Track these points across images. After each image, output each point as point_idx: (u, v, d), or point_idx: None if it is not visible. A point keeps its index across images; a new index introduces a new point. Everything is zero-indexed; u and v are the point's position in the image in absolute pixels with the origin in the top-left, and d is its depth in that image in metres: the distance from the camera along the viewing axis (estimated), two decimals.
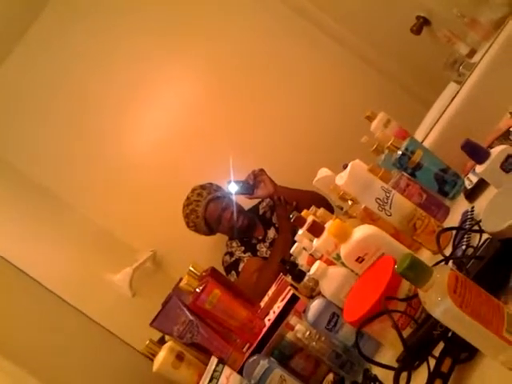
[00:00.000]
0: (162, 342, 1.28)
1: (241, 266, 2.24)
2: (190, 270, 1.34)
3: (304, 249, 1.46)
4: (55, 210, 2.50)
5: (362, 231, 0.99)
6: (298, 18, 2.65)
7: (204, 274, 1.36)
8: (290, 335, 1.23)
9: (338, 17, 2.58)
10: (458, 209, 1.14)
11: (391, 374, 0.77)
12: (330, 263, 1.11)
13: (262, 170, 2.28)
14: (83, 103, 2.65)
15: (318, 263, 1.09)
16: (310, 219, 1.32)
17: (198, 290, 1.28)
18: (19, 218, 2.13)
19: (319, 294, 1.16)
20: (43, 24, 2.63)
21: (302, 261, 1.49)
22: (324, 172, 1.52)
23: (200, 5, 2.69)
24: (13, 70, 2.61)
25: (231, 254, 2.30)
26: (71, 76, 2.64)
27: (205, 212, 2.26)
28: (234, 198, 2.30)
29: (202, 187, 2.30)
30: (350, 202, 1.34)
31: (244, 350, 1.30)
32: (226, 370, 1.16)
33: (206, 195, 2.27)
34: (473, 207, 1.06)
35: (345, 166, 1.14)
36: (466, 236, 0.96)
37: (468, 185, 1.13)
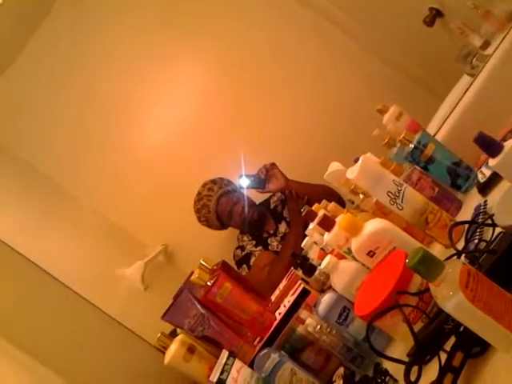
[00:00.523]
0: (173, 334, 1.29)
1: (252, 259, 2.25)
2: (201, 264, 1.34)
3: (315, 243, 1.46)
4: (67, 206, 2.52)
5: (373, 225, 0.99)
6: (307, 11, 2.64)
7: (215, 267, 1.37)
8: (300, 329, 1.23)
9: (348, 9, 2.56)
10: (471, 202, 1.13)
11: (402, 368, 0.77)
12: (341, 257, 1.11)
13: (273, 164, 2.28)
14: (95, 100, 2.66)
15: (328, 257, 1.09)
16: (320, 213, 1.32)
17: (209, 283, 1.28)
18: (32, 212, 2.16)
19: (330, 287, 1.16)
20: (50, 25, 2.65)
21: (313, 255, 1.48)
22: (335, 166, 1.52)
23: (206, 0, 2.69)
24: (22, 67, 2.63)
25: (242, 248, 2.31)
26: (82, 73, 2.65)
27: (216, 206, 2.26)
28: (245, 192, 2.30)
29: (213, 182, 2.31)
30: (361, 196, 1.33)
31: (255, 343, 1.31)
32: (237, 363, 1.16)
33: (217, 190, 2.27)
34: (486, 201, 1.05)
35: (356, 160, 1.13)
36: (478, 230, 0.95)
37: (481, 178, 1.12)
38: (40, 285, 1.61)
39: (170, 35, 2.67)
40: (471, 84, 1.46)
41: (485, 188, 1.11)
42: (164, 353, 1.22)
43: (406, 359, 0.79)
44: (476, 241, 0.94)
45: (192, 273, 1.34)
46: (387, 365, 0.96)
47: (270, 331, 1.27)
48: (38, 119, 2.64)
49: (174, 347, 1.20)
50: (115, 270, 2.22)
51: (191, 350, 1.20)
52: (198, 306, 1.29)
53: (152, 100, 2.71)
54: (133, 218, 2.59)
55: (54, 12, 2.64)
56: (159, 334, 1.23)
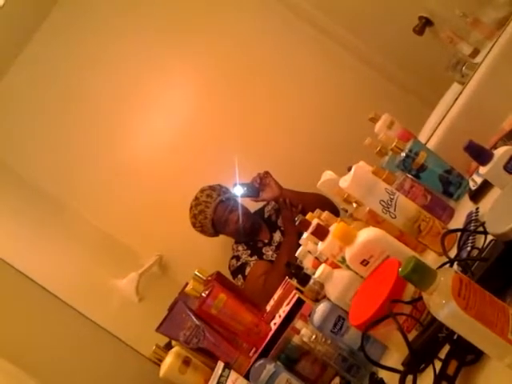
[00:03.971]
0: (168, 347, 1.28)
1: (247, 269, 2.24)
2: (195, 275, 1.34)
3: (309, 252, 1.46)
4: (60, 217, 2.51)
5: (366, 234, 0.99)
6: (300, 21, 2.66)
7: (209, 278, 1.37)
8: (295, 339, 1.23)
9: (339, 19, 2.59)
10: (463, 210, 1.14)
11: (397, 376, 0.77)
12: (335, 266, 1.11)
13: (267, 173, 2.28)
14: (88, 108, 2.66)
15: (323, 266, 1.09)
16: (314, 222, 1.32)
17: (203, 294, 1.28)
18: (25, 223, 2.15)
19: (325, 297, 1.15)
20: (46, 30, 2.65)
21: (307, 264, 1.48)
22: (328, 175, 1.52)
23: (203, 5, 2.70)
24: (15, 78, 2.63)
25: (238, 258, 2.30)
26: (74, 80, 2.65)
27: (213, 214, 2.25)
28: (239, 200, 2.30)
29: (212, 188, 2.30)
30: (354, 205, 1.34)
31: (250, 354, 1.30)
32: (233, 375, 1.16)
33: (215, 197, 2.26)
34: (477, 208, 1.05)
35: (349, 169, 1.14)
36: (470, 237, 0.95)
37: (472, 186, 1.13)
38: (29, 296, 1.60)
39: (167, 37, 2.67)
40: (461, 92, 1.48)
41: (476, 195, 1.12)
42: (159, 365, 1.21)
43: (401, 368, 0.79)
44: (468, 248, 0.94)
45: (187, 284, 1.34)
46: (383, 374, 0.96)
47: (266, 342, 1.27)
48: (29, 129, 2.63)
49: (169, 359, 1.20)
50: (109, 281, 2.21)
51: (186, 362, 1.20)
52: (193, 317, 1.28)
53: (145, 109, 2.71)
54: (127, 229, 2.59)
55: (50, 16, 2.65)
56: (154, 347, 1.23)
